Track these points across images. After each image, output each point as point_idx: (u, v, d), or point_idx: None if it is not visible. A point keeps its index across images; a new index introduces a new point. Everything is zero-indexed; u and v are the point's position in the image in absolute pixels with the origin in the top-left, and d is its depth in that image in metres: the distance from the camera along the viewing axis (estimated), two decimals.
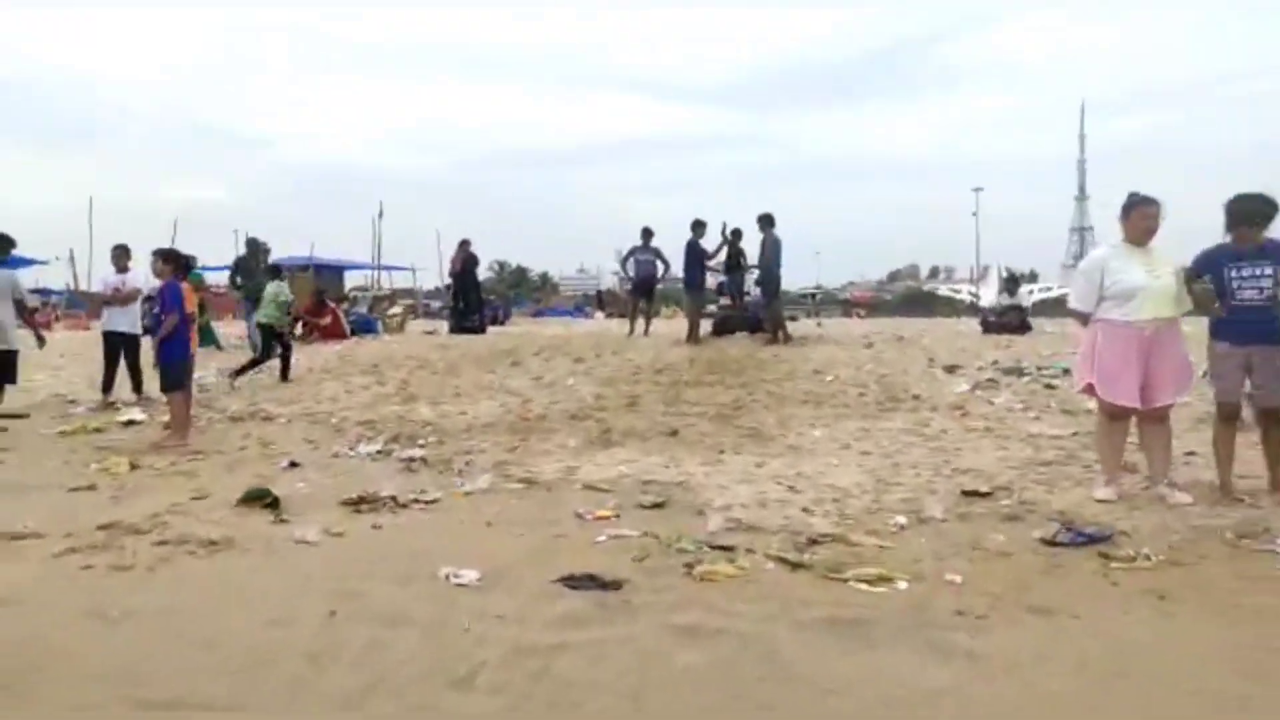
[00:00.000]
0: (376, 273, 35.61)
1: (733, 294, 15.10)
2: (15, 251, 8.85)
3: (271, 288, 11.20)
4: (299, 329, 16.44)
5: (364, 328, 16.78)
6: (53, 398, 9.38)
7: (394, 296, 29.20)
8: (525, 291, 52.57)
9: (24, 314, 8.50)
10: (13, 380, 8.29)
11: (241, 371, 10.39)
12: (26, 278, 10.08)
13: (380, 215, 35.47)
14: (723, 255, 14.10)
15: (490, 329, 17.43)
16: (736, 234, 14.09)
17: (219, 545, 4.26)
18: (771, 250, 12.60)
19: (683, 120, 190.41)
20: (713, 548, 4.12)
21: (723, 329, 13.75)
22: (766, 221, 12.58)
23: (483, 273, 21.09)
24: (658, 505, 4.95)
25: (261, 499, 5.00)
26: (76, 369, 11.07)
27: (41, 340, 8.89)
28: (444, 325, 18.19)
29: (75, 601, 3.53)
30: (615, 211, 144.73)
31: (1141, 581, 3.61)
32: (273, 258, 15.45)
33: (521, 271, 64.92)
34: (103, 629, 3.29)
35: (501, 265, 62.67)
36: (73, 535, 4.39)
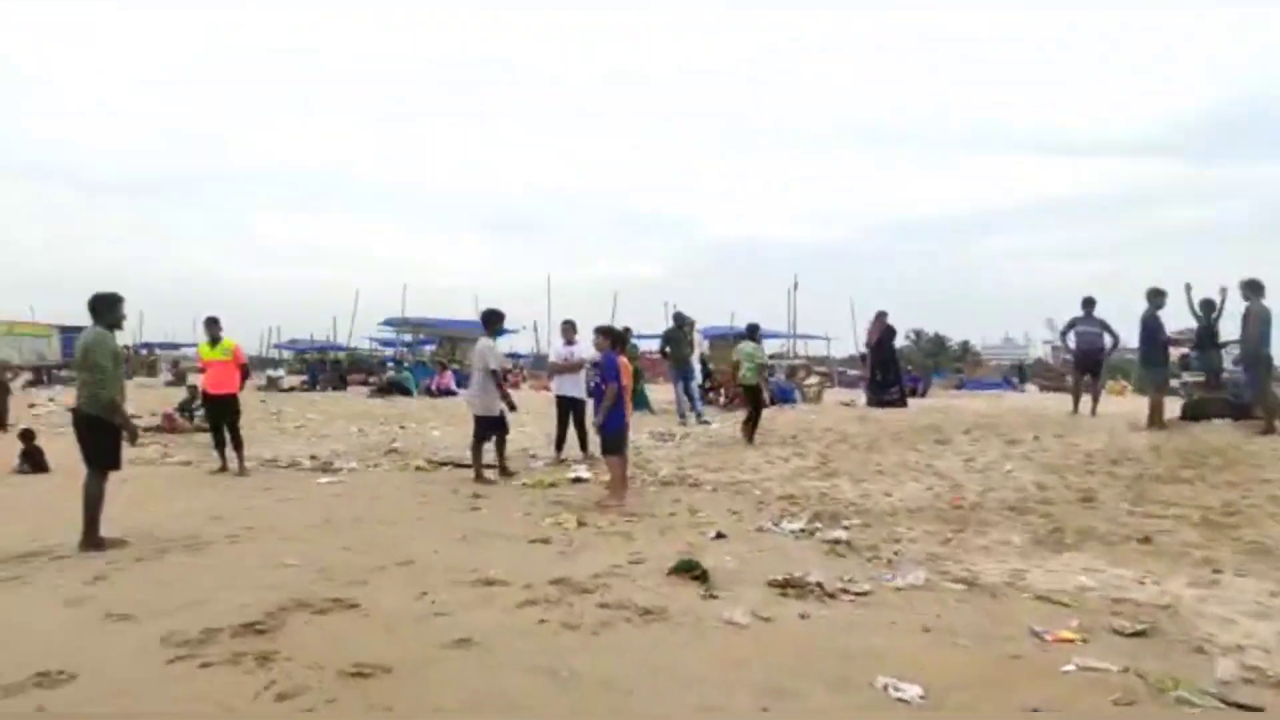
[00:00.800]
0: (792, 341, 36.90)
1: (1207, 372, 12.84)
2: None
3: (747, 348, 11.60)
4: (722, 396, 17.23)
5: (782, 396, 17.03)
6: (519, 451, 10.70)
7: (809, 365, 29.58)
8: (945, 361, 49.95)
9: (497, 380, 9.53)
10: (507, 431, 9.52)
11: (750, 434, 11.04)
12: (502, 344, 11.76)
13: (795, 287, 37.03)
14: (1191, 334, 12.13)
15: (910, 401, 16.71)
16: (1207, 305, 12.12)
17: (653, 614, 4.35)
18: (1259, 323, 10.43)
19: (1103, 176, 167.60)
20: (1226, 704, 3.24)
21: (1196, 413, 11.59)
22: (1252, 289, 10.49)
23: (899, 342, 20.44)
24: (1138, 634, 4.07)
25: (691, 570, 5.06)
26: (536, 426, 12.60)
27: (512, 406, 9.83)
28: (860, 396, 17.85)
29: (530, 655, 3.78)
30: (1034, 276, 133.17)
31: None
32: (698, 328, 16.50)
33: (939, 340, 61.93)
34: (553, 688, 3.46)
35: (918, 334, 60.46)
36: (530, 587, 4.80)
